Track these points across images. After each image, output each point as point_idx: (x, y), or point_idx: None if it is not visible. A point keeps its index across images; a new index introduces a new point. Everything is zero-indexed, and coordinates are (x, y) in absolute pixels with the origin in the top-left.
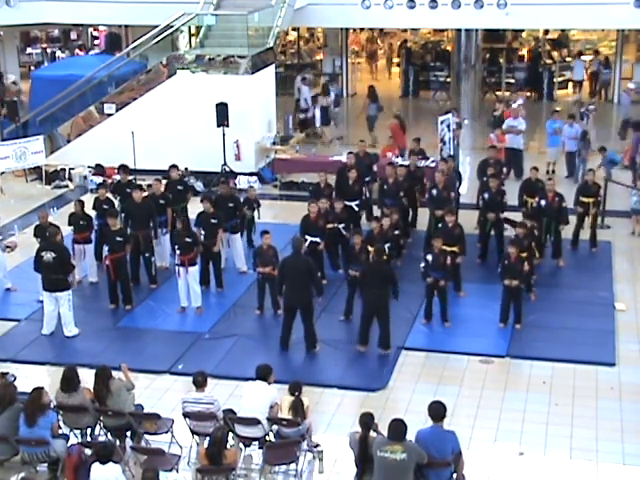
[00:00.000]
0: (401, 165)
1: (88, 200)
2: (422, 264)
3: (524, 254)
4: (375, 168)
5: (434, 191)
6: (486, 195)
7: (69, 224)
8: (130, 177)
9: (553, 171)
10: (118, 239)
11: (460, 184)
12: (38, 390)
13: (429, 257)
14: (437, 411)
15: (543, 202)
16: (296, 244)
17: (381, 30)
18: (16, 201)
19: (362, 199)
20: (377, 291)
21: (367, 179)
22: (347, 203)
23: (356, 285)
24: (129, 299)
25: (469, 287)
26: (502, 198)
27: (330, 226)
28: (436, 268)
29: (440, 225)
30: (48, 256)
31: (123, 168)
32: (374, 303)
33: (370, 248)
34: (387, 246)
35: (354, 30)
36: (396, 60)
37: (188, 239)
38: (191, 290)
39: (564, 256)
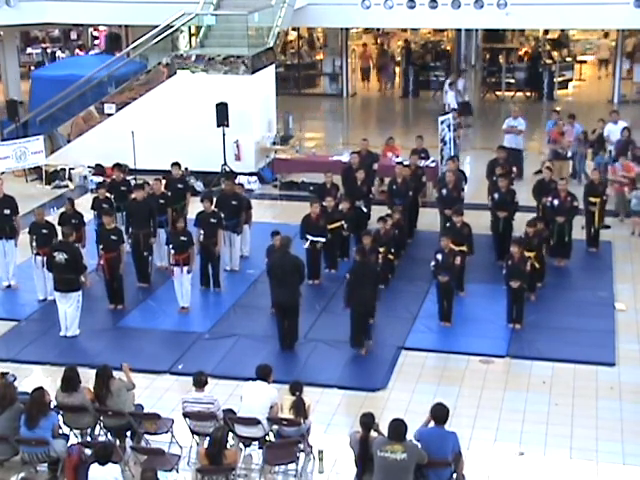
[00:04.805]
0: (405, 165)
1: (88, 200)
2: (432, 263)
3: (530, 253)
4: (376, 167)
5: (444, 191)
6: (496, 195)
7: (59, 223)
8: (129, 177)
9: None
10: (113, 238)
11: (465, 183)
12: (39, 391)
13: (439, 256)
14: (441, 413)
15: (556, 202)
16: (284, 242)
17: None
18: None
19: (369, 199)
20: (364, 291)
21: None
22: (356, 203)
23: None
24: (121, 299)
25: (469, 287)
26: (512, 198)
27: (334, 225)
28: (445, 267)
29: (448, 224)
30: (60, 257)
31: (118, 166)
32: (362, 303)
33: (380, 249)
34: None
35: (364, 45)
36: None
37: (183, 238)
38: (183, 289)
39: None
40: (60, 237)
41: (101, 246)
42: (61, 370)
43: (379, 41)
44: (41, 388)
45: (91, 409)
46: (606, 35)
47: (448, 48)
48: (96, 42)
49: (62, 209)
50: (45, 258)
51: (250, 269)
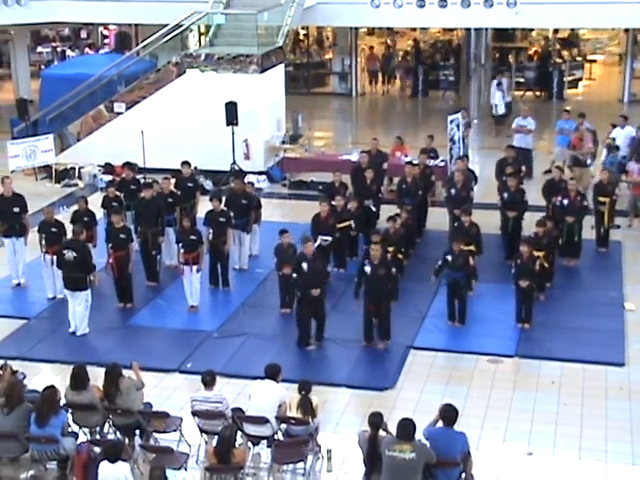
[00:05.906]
0: (414, 164)
1: (97, 198)
2: (439, 262)
3: (539, 253)
4: (385, 166)
5: (453, 190)
6: (505, 195)
7: (71, 221)
8: (139, 175)
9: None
10: (121, 236)
11: (476, 183)
12: (51, 389)
13: (449, 257)
14: (450, 415)
15: (566, 201)
16: (303, 242)
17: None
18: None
19: (378, 198)
20: (380, 286)
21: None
22: (365, 202)
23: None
24: (130, 297)
25: (478, 286)
26: (522, 197)
27: (343, 225)
28: (455, 268)
29: (456, 224)
30: (69, 255)
31: (128, 165)
32: (378, 298)
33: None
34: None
35: (371, 48)
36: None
37: (192, 237)
38: (192, 287)
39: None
40: (70, 235)
41: (110, 245)
42: (70, 368)
43: (391, 42)
44: (53, 386)
45: (100, 407)
46: (626, 30)
47: (458, 47)
48: (106, 41)
49: (75, 207)
50: (55, 256)
51: (259, 268)
